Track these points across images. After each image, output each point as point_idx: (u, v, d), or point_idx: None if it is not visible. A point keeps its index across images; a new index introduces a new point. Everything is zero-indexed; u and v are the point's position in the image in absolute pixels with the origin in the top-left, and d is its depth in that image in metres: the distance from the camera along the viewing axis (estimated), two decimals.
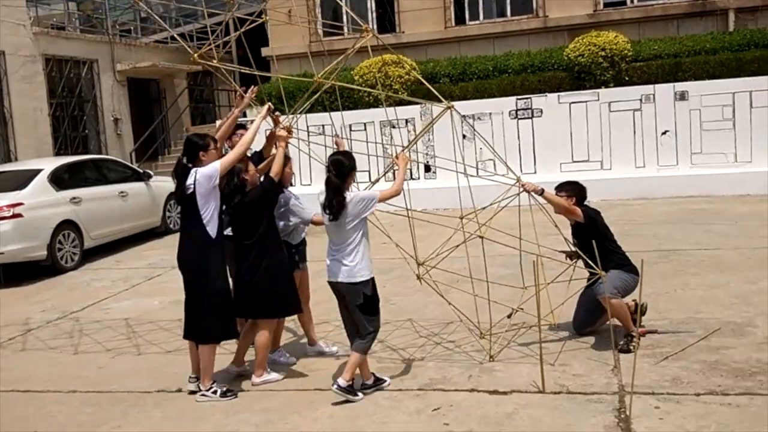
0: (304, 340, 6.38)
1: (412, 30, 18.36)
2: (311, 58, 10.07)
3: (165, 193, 13.57)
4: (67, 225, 11.09)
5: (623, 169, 13.71)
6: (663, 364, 5.28)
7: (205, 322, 5.33)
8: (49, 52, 17.61)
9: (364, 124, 14.59)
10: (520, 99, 14.22)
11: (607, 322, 5.74)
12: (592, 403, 4.74)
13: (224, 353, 5.96)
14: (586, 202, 5.99)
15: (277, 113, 5.85)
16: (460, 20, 18.59)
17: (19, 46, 16.65)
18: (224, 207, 5.45)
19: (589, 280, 5.83)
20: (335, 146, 5.76)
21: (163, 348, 6.73)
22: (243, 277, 5.44)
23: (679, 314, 6.41)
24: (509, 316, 6.30)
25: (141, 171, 13.65)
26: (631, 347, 5.50)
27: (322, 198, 5.11)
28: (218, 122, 16.70)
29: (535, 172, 13.64)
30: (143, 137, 19.33)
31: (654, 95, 13.60)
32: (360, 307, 5.07)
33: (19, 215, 10.37)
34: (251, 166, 5.57)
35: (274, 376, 5.64)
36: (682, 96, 13.46)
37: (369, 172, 12.46)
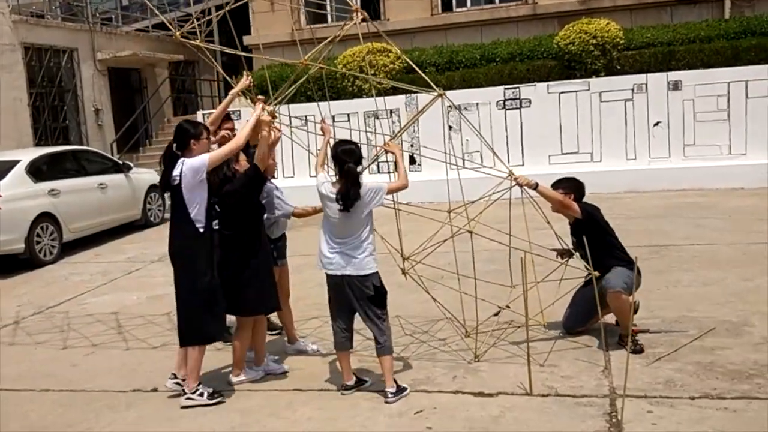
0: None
1: (397, 17, 18.04)
2: (299, 45, 9.75)
3: (145, 185, 13.29)
4: (46, 218, 10.79)
5: (614, 161, 13.47)
6: (656, 366, 5.06)
7: (192, 321, 5.05)
8: (28, 41, 17.25)
9: (348, 114, 14.29)
10: (508, 89, 13.93)
11: (599, 321, 5.48)
12: (581, 406, 4.52)
13: (213, 350, 5.72)
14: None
15: (260, 97, 5.58)
16: (446, 7, 18.29)
17: None
18: (214, 199, 5.16)
19: (586, 278, 5.56)
20: (321, 133, 5.49)
21: (140, 345, 6.52)
22: (222, 271, 5.16)
23: (672, 312, 6.19)
24: (496, 314, 6.08)
25: (121, 162, 13.35)
26: (640, 346, 5.29)
27: (326, 188, 4.88)
28: (200, 113, 16.37)
29: (523, 165, 13.40)
30: (124, 128, 18.99)
31: (646, 85, 13.34)
32: (371, 299, 4.86)
33: None
34: (242, 157, 5.31)
35: (252, 374, 5.41)
36: (676, 86, 13.20)
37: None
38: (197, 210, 4.93)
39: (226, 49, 6.39)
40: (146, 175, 13.60)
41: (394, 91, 14.37)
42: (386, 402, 4.78)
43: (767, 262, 7.55)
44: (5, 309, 8.27)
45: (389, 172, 5.45)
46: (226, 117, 5.96)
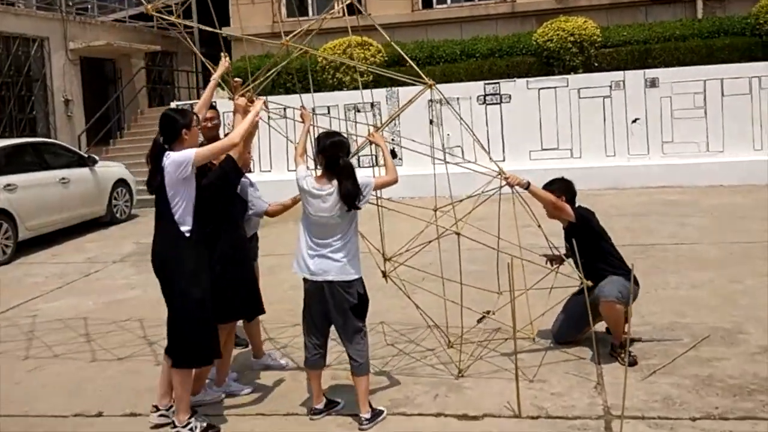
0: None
1: (378, 12, 17.68)
2: (283, 35, 9.39)
3: (112, 180, 12.75)
4: (0, 214, 10.19)
5: (593, 157, 13.33)
6: (651, 380, 4.74)
7: (177, 341, 4.39)
8: None
9: (328, 107, 13.90)
10: (488, 84, 13.75)
11: (590, 331, 5.16)
12: (574, 430, 4.17)
13: None
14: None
15: (237, 79, 5.15)
16: (427, 4, 18.23)
17: None
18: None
19: (579, 287, 5.24)
20: (301, 120, 5.03)
21: (91, 358, 5.99)
22: None
23: (662, 318, 5.90)
24: (480, 321, 5.73)
25: (85, 156, 12.74)
26: (633, 358, 5.00)
27: (308, 182, 4.40)
28: (174, 103, 15.83)
29: (503, 160, 13.12)
30: (93, 119, 18.32)
31: (624, 82, 13.29)
32: (354, 309, 4.38)
33: None
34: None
35: (210, 396, 4.88)
36: (653, 83, 13.15)
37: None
38: (182, 210, 4.34)
39: (204, 27, 5.92)
40: (113, 169, 13.05)
41: (375, 84, 14.06)
42: (360, 429, 4.34)
43: (753, 262, 7.36)
44: None
45: (372, 166, 5.04)
46: (209, 106, 5.53)
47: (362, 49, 14.30)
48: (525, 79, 13.67)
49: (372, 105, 13.67)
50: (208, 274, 4.46)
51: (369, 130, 5.20)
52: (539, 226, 4.95)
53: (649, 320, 5.86)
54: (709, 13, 15.85)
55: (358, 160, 12.68)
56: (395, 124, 13.28)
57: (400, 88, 13.40)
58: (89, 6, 21.54)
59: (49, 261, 10.28)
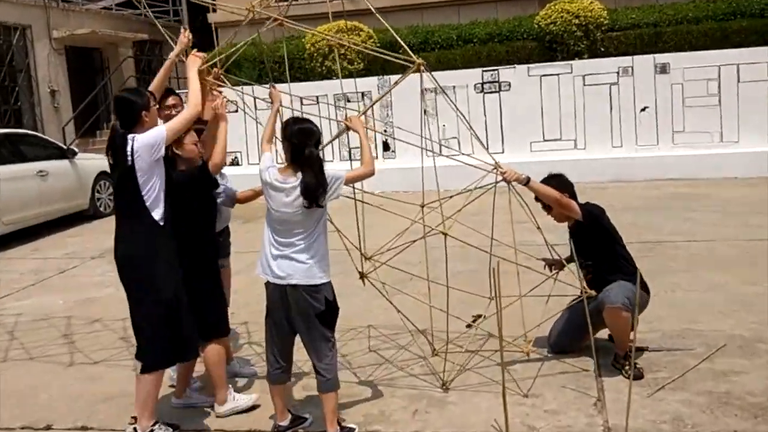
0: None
1: None
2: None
3: (94, 172, 12.20)
4: None
5: (599, 148, 12.71)
6: (659, 396, 4.18)
7: (146, 343, 4.02)
8: None
9: (317, 97, 13.30)
10: (486, 71, 13.11)
11: (589, 341, 4.59)
12: None
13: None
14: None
15: (198, 54, 4.59)
16: None
17: None
18: None
19: (576, 299, 4.67)
20: (269, 100, 4.44)
21: (51, 361, 5.53)
22: None
23: (672, 325, 5.33)
24: (470, 326, 5.19)
25: (65, 147, 12.21)
26: (639, 370, 4.45)
27: (271, 174, 3.88)
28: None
29: (502, 152, 12.61)
30: (78, 110, 17.80)
31: (632, 68, 12.63)
32: (320, 317, 3.85)
33: None
34: (189, 138, 4.26)
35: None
36: (663, 69, 12.50)
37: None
38: (154, 196, 3.92)
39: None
40: (95, 161, 12.48)
41: (367, 73, 13.48)
42: None
43: None
44: None
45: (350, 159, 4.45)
46: (169, 92, 4.99)
47: (353, 34, 13.70)
48: (526, 66, 13.02)
49: (363, 95, 13.06)
50: (178, 270, 4.05)
51: (345, 115, 4.64)
52: (539, 227, 4.39)
53: (658, 327, 5.28)
54: None
55: (350, 153, 12.15)
56: (388, 115, 12.71)
57: (393, 77, 12.82)
58: None
59: (28, 256, 9.81)
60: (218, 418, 4.32)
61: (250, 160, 13.84)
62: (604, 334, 4.86)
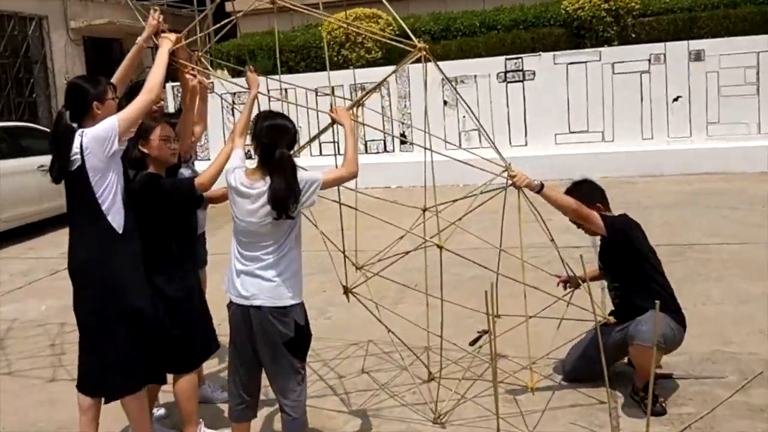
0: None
1: None
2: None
3: None
4: None
5: (628, 141, 12.10)
6: None
7: (112, 370, 3.51)
8: None
9: (333, 88, 12.83)
10: (509, 59, 12.52)
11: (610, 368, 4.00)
12: None
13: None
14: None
15: (168, 35, 4.13)
16: None
17: None
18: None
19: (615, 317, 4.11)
20: (248, 87, 3.88)
21: (21, 376, 5.18)
22: None
23: (701, 345, 4.71)
24: (473, 343, 4.63)
25: None
26: (660, 405, 3.89)
27: (236, 177, 3.36)
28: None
29: (526, 144, 12.11)
30: None
31: (665, 55, 12.00)
32: (289, 344, 3.31)
33: None
34: (158, 131, 3.74)
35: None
36: (698, 56, 11.87)
37: (336, 143, 10.80)
38: (110, 199, 3.45)
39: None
40: None
41: (385, 62, 12.98)
42: None
43: None
44: None
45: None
46: (137, 84, 4.47)
47: (371, 21, 13.25)
48: (552, 53, 12.45)
49: (380, 85, 12.57)
50: (144, 281, 3.57)
51: (332, 105, 4.08)
52: (552, 240, 3.81)
53: (684, 348, 4.59)
54: None
55: (366, 146, 11.64)
56: (406, 107, 12.17)
57: (410, 67, 12.29)
58: None
59: (22, 256, 9.47)
60: None
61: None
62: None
